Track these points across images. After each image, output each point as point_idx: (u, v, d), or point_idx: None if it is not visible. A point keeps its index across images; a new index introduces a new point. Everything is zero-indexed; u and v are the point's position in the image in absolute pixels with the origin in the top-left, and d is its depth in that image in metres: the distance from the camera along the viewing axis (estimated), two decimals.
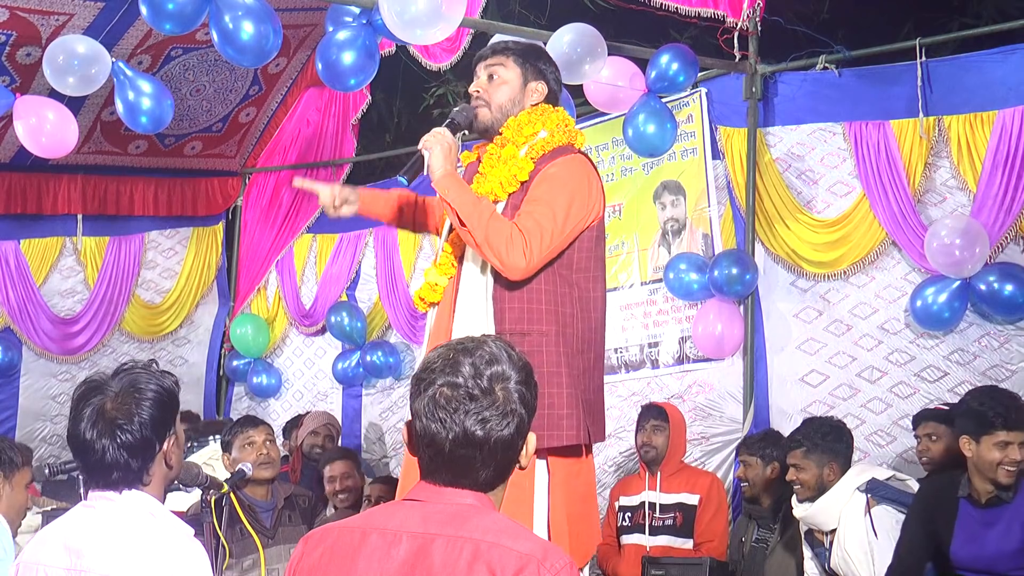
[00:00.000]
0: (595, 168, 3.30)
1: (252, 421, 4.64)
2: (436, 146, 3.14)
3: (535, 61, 3.35)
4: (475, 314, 3.14)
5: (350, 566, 1.97)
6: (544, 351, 3.08)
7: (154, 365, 2.56)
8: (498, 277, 3.12)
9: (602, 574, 5.59)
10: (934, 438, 4.68)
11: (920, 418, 4.80)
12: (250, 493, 4.43)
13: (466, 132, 3.39)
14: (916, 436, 4.79)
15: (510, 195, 3.18)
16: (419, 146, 3.18)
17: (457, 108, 3.35)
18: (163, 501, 2.51)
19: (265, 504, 4.45)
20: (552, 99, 3.36)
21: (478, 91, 3.31)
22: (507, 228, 3.05)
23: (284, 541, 4.36)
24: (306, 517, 4.55)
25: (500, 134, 3.27)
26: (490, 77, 3.32)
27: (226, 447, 4.53)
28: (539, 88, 3.32)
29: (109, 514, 2.41)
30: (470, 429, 1.94)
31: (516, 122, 3.26)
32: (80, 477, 3.83)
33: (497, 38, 5.37)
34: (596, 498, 3.35)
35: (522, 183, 3.18)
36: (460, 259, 3.25)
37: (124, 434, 2.40)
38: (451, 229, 3.25)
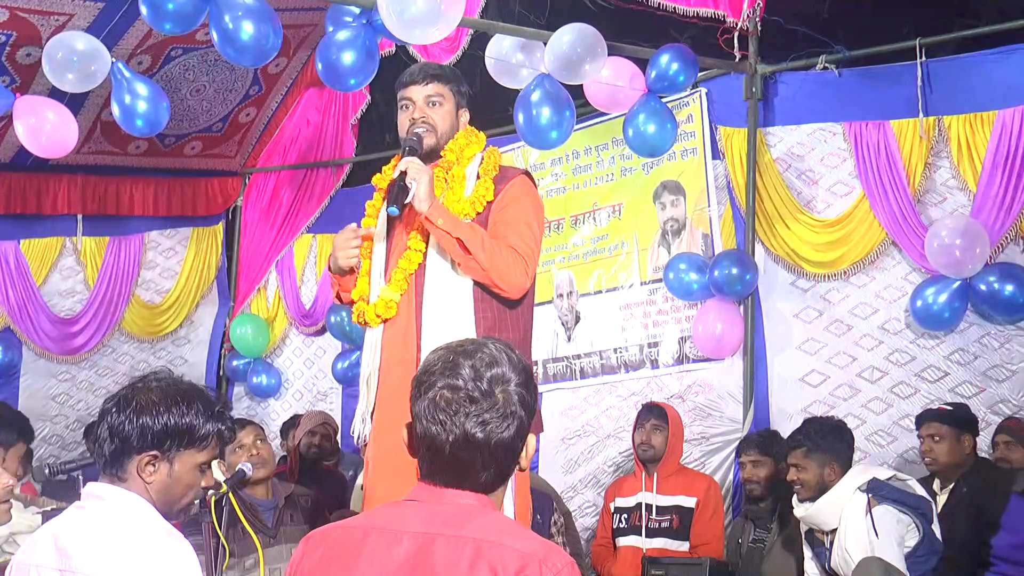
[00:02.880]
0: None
1: (239, 423, 4.63)
2: (424, 176, 3.25)
3: (462, 88, 3.51)
4: (452, 325, 3.24)
5: (351, 566, 1.97)
6: None
7: (223, 410, 2.52)
8: (474, 289, 3.27)
9: (596, 575, 5.59)
10: (937, 438, 4.68)
11: (923, 419, 4.80)
12: (250, 493, 4.43)
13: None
14: (919, 437, 4.79)
15: (478, 214, 3.34)
16: (395, 175, 3.27)
17: (408, 136, 3.40)
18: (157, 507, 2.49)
19: (266, 503, 4.45)
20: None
21: (424, 117, 3.41)
22: (507, 251, 3.26)
23: (286, 540, 4.36)
24: (308, 517, 4.55)
25: (442, 157, 3.41)
26: (430, 103, 3.42)
27: (220, 454, 4.54)
28: (465, 116, 3.50)
29: (98, 514, 2.40)
30: (470, 431, 1.94)
31: (456, 145, 3.42)
32: (80, 477, 3.83)
33: (495, 40, 5.39)
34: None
35: (488, 202, 3.36)
36: (414, 275, 3.35)
37: (117, 416, 2.42)
38: (393, 247, 3.40)
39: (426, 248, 3.35)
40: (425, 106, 3.41)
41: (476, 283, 3.29)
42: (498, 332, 3.26)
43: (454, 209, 3.30)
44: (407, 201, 3.24)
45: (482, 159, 3.44)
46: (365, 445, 3.47)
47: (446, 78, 3.46)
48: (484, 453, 1.96)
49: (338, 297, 3.64)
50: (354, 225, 3.49)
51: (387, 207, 3.28)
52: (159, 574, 2.32)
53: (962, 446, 4.68)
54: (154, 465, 2.44)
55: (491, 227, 3.32)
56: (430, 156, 3.40)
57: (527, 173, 3.50)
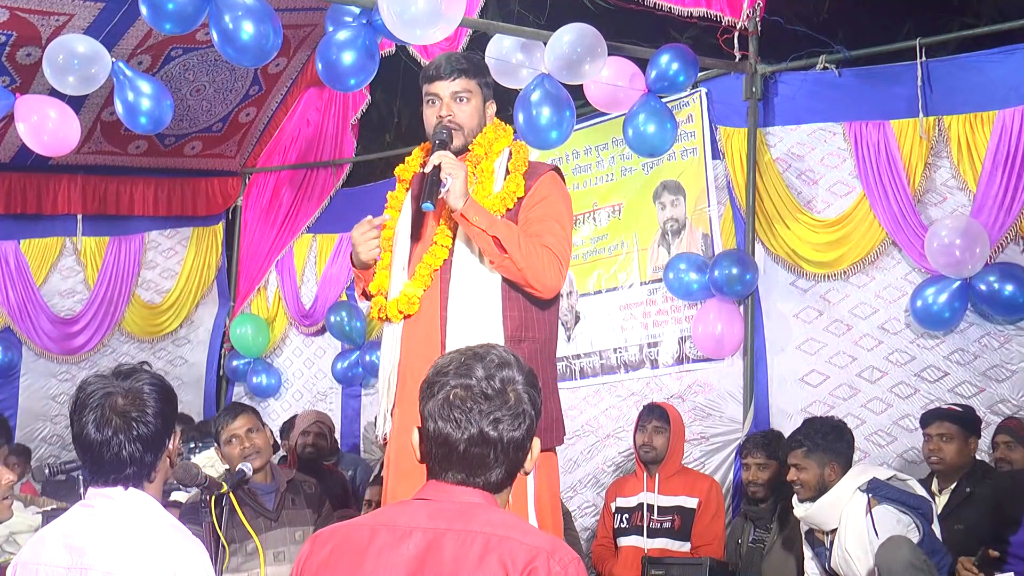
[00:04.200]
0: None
1: (232, 412, 4.62)
2: (460, 172, 3.19)
3: (487, 78, 3.45)
4: (479, 322, 3.20)
5: (359, 562, 2.00)
6: (538, 358, 3.22)
7: (146, 366, 2.59)
8: (502, 288, 3.23)
9: (597, 575, 5.59)
10: (946, 438, 4.64)
11: (932, 417, 4.75)
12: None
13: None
14: (926, 435, 4.73)
15: (508, 210, 3.29)
16: (428, 169, 3.20)
17: (436, 132, 3.34)
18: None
19: (267, 487, 4.44)
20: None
21: (451, 115, 3.35)
22: (542, 250, 3.21)
23: (288, 524, 4.37)
24: (311, 502, 4.54)
25: (470, 151, 3.35)
26: (457, 100, 3.36)
27: (217, 441, 4.58)
28: (492, 107, 3.45)
29: (109, 512, 2.42)
30: (485, 429, 1.99)
31: (485, 140, 3.35)
32: (80, 477, 3.84)
33: (495, 40, 5.39)
34: (558, 497, 3.46)
35: (519, 199, 3.30)
36: (439, 271, 3.30)
37: (139, 427, 2.43)
38: (413, 242, 3.36)
39: (453, 243, 3.29)
40: (452, 102, 3.34)
41: (504, 280, 3.23)
42: (524, 331, 3.22)
43: (484, 205, 3.25)
44: (440, 196, 3.17)
45: (511, 154, 3.37)
46: (385, 443, 3.44)
47: (473, 71, 3.38)
48: (496, 450, 2.01)
49: (363, 294, 3.54)
50: (369, 217, 3.42)
51: (421, 202, 3.19)
52: (174, 570, 2.33)
53: (968, 448, 4.67)
54: (175, 441, 2.55)
55: (522, 224, 3.26)
56: (457, 154, 3.33)
57: (556, 169, 3.43)
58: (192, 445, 5.50)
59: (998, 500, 4.26)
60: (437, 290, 3.28)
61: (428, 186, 3.16)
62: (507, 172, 3.35)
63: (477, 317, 3.21)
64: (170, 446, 2.52)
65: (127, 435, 2.41)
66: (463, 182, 3.17)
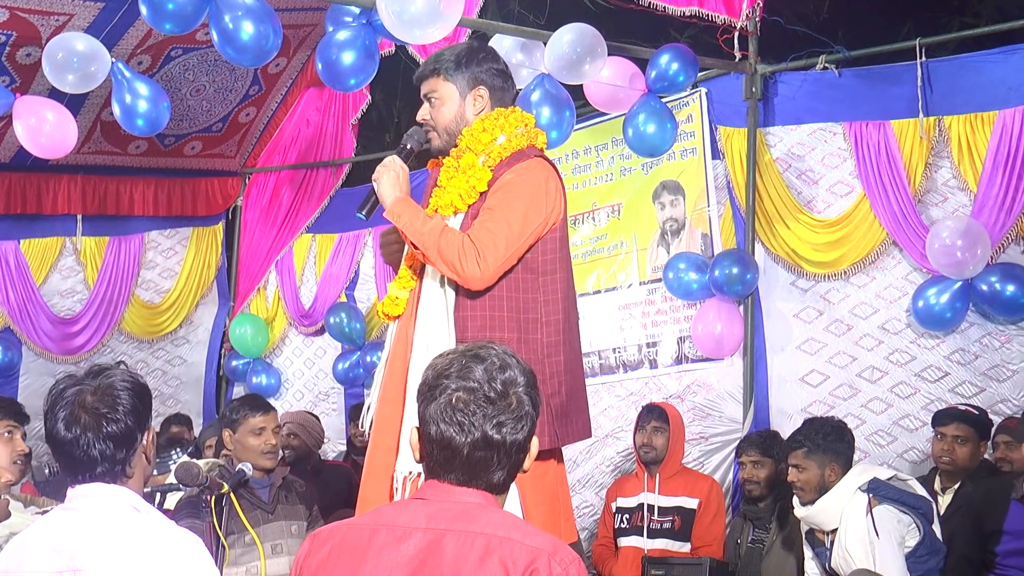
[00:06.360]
0: (555, 169, 3.30)
1: (262, 406, 4.47)
2: (383, 177, 3.24)
3: (466, 68, 3.31)
4: (436, 324, 3.19)
5: (359, 561, 2.00)
6: None
7: (123, 365, 2.57)
8: (459, 287, 3.16)
9: (597, 575, 5.59)
10: (961, 440, 4.60)
11: (949, 418, 4.69)
12: None
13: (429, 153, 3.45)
14: (940, 434, 4.68)
15: (470, 206, 3.20)
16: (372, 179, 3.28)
17: (409, 132, 3.37)
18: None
19: (261, 481, 4.41)
20: (499, 95, 3.33)
21: (425, 118, 3.34)
22: (458, 240, 3.10)
23: (284, 518, 4.36)
24: (303, 499, 4.53)
25: (456, 145, 3.28)
26: (427, 100, 3.34)
27: (231, 424, 4.38)
28: (480, 94, 3.31)
29: (95, 512, 2.39)
30: (489, 432, 1.99)
31: (471, 131, 3.26)
32: None
33: (494, 40, 5.39)
34: (560, 500, 3.32)
35: (481, 193, 3.19)
36: (419, 272, 3.28)
37: (108, 424, 2.40)
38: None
39: None
40: (427, 105, 3.35)
41: None
42: (487, 333, 3.10)
43: (443, 200, 3.21)
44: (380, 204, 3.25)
45: (499, 145, 3.23)
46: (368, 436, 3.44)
47: (442, 68, 3.31)
48: (499, 452, 2.01)
49: None
50: None
51: (357, 211, 3.30)
52: (172, 561, 2.32)
53: (980, 451, 4.65)
54: (152, 438, 2.51)
55: (478, 215, 3.19)
56: (443, 153, 3.33)
57: (541, 155, 3.28)
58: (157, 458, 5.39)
59: (977, 513, 4.22)
60: (418, 291, 3.28)
61: (367, 195, 3.27)
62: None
63: (435, 318, 3.20)
64: (144, 442, 2.48)
65: (96, 433, 2.39)
66: (388, 184, 3.22)
